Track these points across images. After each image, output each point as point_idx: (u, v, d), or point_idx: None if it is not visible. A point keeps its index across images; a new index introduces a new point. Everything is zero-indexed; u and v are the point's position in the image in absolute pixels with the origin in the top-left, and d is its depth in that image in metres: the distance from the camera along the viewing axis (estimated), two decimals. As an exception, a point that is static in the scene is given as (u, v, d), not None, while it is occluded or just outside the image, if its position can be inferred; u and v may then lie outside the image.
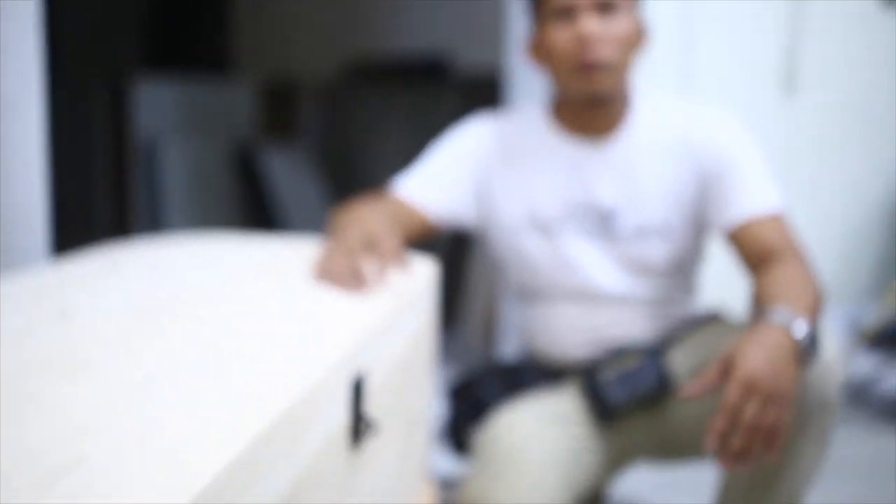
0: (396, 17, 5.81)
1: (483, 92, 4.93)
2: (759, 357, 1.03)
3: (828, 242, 2.95)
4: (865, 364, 2.51)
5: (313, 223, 4.59)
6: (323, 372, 0.76)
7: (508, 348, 2.37)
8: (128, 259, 1.11)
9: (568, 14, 1.31)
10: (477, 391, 1.44)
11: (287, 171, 4.56)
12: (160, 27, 5.28)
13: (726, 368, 1.05)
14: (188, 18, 5.43)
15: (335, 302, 1.01)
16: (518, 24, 2.29)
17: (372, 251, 1.11)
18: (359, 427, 0.86)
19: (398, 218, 1.33)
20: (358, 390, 0.86)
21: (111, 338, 0.77)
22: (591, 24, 1.29)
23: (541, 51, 1.37)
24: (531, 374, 1.45)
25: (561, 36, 1.32)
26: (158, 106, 4.35)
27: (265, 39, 5.82)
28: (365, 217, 1.24)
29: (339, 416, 0.82)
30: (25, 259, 1.24)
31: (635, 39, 1.34)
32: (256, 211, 4.58)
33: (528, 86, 2.28)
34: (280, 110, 4.97)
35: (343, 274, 1.04)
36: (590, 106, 1.36)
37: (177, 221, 4.30)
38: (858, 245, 3.22)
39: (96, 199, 4.33)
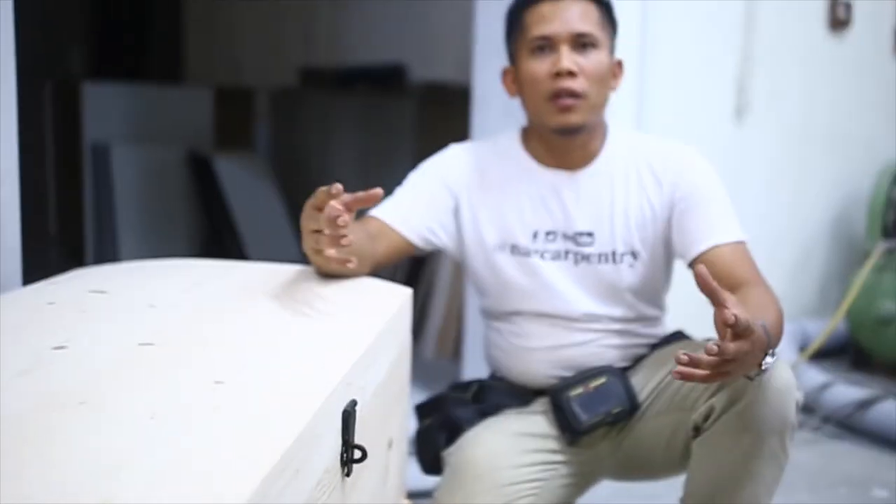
0: (353, 29, 5.83)
1: (436, 100, 5.00)
2: (758, 329, 1.02)
3: (777, 260, 3.05)
4: (814, 376, 2.60)
5: (269, 229, 4.57)
6: (320, 404, 0.78)
7: (470, 364, 2.41)
8: (113, 286, 1.12)
9: (546, 48, 1.35)
10: (445, 409, 1.47)
11: (242, 178, 4.53)
12: (112, 35, 5.22)
13: (733, 327, 0.99)
14: (140, 27, 5.38)
15: (324, 327, 1.03)
16: (470, 37, 2.34)
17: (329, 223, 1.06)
18: (350, 455, 0.89)
19: (376, 238, 1.36)
20: (347, 419, 0.88)
21: (113, 371, 0.78)
22: (568, 59, 1.33)
23: (517, 81, 1.41)
24: (499, 392, 1.48)
25: (538, 68, 1.36)
26: (109, 112, 4.29)
27: (219, 47, 5.79)
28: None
29: (334, 446, 0.84)
30: (2, 281, 1.23)
31: (609, 74, 1.39)
32: (211, 217, 4.54)
33: (482, 95, 2.32)
34: (235, 117, 4.94)
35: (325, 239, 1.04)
36: (563, 137, 1.40)
37: (128, 226, 4.25)
38: (805, 262, 3.34)
39: (48, 202, 4.25)
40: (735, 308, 0.99)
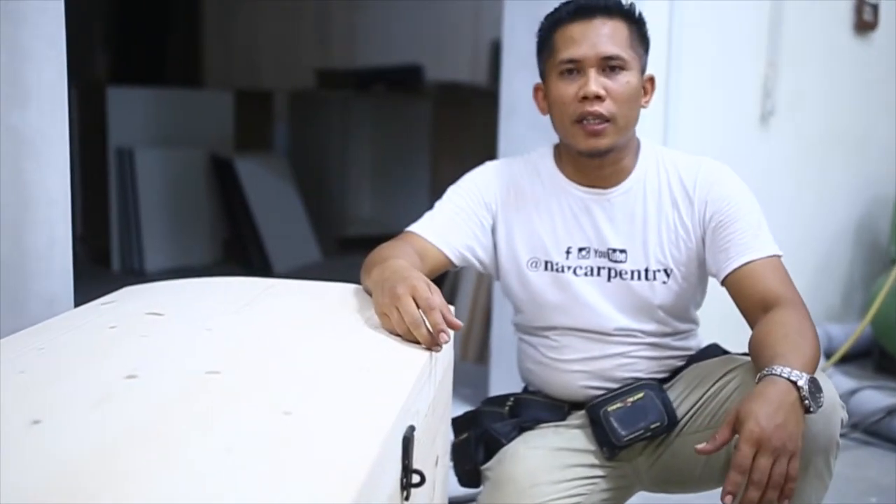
0: (369, 31, 5.85)
1: (451, 99, 5.03)
2: (765, 413, 1.09)
3: (801, 264, 3.06)
4: (840, 381, 2.61)
5: (289, 227, 4.61)
6: (385, 434, 0.80)
7: (497, 370, 2.43)
8: (167, 307, 1.14)
9: (574, 70, 1.37)
10: (482, 423, 1.49)
11: (262, 178, 4.57)
12: (134, 41, 5.27)
13: (735, 426, 1.12)
14: (161, 33, 5.42)
15: (378, 350, 1.06)
16: (483, 42, 2.35)
17: (429, 312, 1.12)
18: (409, 480, 0.91)
19: (423, 257, 1.38)
20: (407, 445, 0.90)
21: (185, 402, 0.81)
22: (596, 83, 1.34)
23: (546, 101, 1.43)
24: (536, 406, 1.50)
25: (565, 90, 1.37)
26: (133, 116, 4.34)
27: (238, 51, 5.83)
28: (404, 269, 1.23)
29: (395, 472, 0.86)
30: (51, 308, 1.26)
31: (639, 94, 1.40)
32: (233, 217, 4.58)
33: (510, 105, 2.34)
34: (254, 119, 4.98)
35: (423, 336, 1.09)
36: (591, 160, 1.41)
37: (152, 227, 4.29)
38: (828, 266, 3.34)
39: (74, 205, 4.30)
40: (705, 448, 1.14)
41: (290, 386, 0.89)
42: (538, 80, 1.47)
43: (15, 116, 1.22)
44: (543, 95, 1.45)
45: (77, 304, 1.28)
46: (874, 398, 2.52)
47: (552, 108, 1.41)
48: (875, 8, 3.26)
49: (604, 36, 1.36)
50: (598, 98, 1.35)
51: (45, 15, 1.24)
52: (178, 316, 1.11)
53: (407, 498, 0.91)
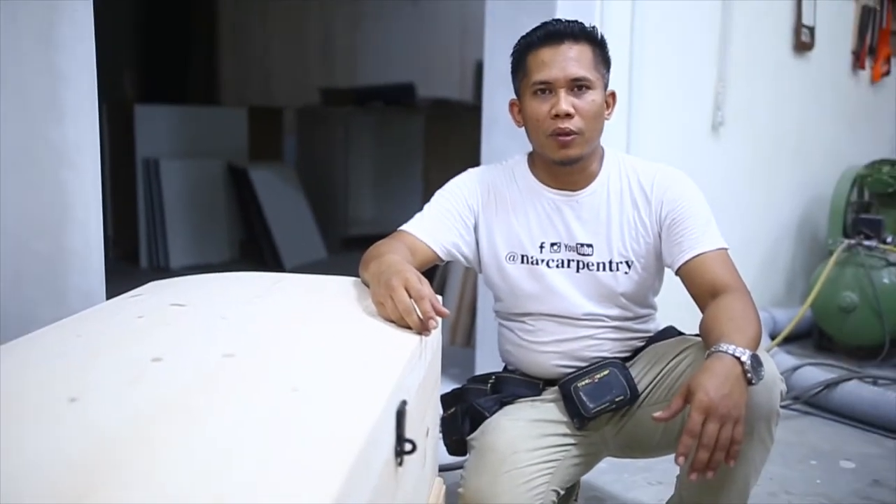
0: (367, 53, 5.86)
1: (441, 115, 5.04)
2: (712, 385, 1.11)
3: (749, 257, 3.08)
4: (784, 359, 2.64)
5: (298, 229, 4.61)
6: (381, 408, 0.82)
7: (482, 353, 2.44)
8: (189, 299, 1.15)
9: (546, 90, 1.38)
10: (468, 399, 1.50)
11: (274, 185, 4.57)
12: (157, 62, 5.25)
13: (687, 397, 1.14)
14: (182, 55, 5.41)
15: (375, 334, 1.07)
16: (471, 62, 2.37)
17: (419, 301, 1.14)
18: (402, 448, 0.92)
19: (413, 253, 1.40)
20: (400, 417, 0.92)
21: (205, 381, 0.82)
22: (566, 102, 1.36)
23: (522, 115, 1.44)
24: (514, 383, 1.52)
25: (539, 108, 1.39)
26: (158, 131, 4.33)
27: (250, 72, 5.82)
28: (397, 264, 1.25)
29: (390, 441, 0.88)
30: (86, 300, 1.27)
31: (603, 109, 1.42)
32: (248, 220, 4.58)
33: (491, 118, 2.35)
34: (266, 133, 4.98)
35: (414, 322, 1.10)
36: (563, 167, 1.43)
37: (176, 229, 4.29)
38: (774, 258, 3.37)
39: (106, 211, 4.30)
40: (660, 416, 1.16)
41: (296, 366, 0.91)
42: (514, 96, 1.49)
43: (54, 132, 1.23)
44: (518, 110, 1.46)
45: (109, 297, 1.29)
46: (814, 373, 2.54)
47: (528, 123, 1.43)
48: (812, 30, 3.29)
49: (571, 59, 1.37)
50: (568, 115, 1.36)
51: (80, 42, 1.25)
52: (199, 306, 1.12)
53: (401, 464, 0.92)
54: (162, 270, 4.19)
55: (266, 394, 0.81)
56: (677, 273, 1.41)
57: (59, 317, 1.11)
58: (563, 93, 1.36)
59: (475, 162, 2.24)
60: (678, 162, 1.59)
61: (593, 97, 1.38)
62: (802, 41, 3.23)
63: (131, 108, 4.29)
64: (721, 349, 1.16)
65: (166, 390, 0.80)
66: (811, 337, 3.14)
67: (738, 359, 1.15)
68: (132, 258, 4.32)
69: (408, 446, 0.93)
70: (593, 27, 1.41)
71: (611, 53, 1.45)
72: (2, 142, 1.19)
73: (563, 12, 2.16)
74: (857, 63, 3.72)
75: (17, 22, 1.18)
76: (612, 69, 1.45)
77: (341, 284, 1.34)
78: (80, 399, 0.76)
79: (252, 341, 0.98)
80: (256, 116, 4.87)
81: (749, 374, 1.15)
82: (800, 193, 3.47)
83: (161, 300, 1.16)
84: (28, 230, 1.21)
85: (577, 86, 1.37)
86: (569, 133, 1.36)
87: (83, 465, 0.63)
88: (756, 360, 1.16)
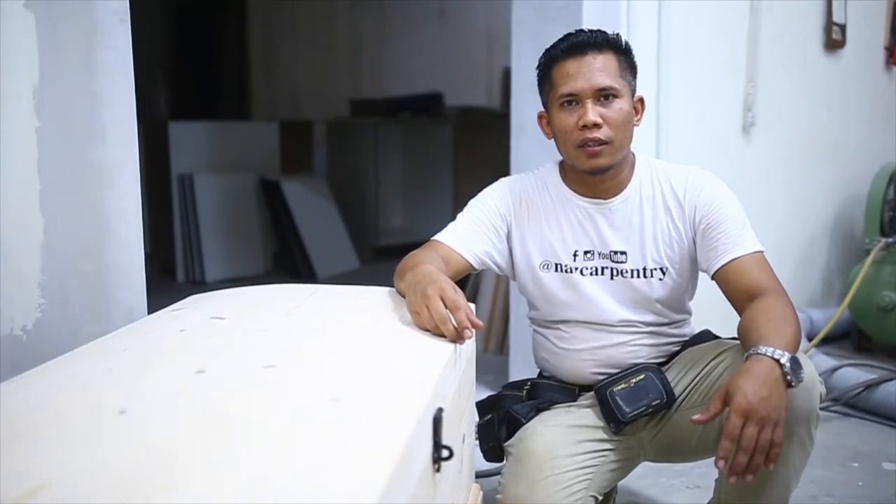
0: (395, 64, 5.91)
1: (469, 123, 5.07)
2: (751, 388, 1.11)
3: (784, 258, 3.05)
4: (822, 360, 2.60)
5: (330, 239, 4.65)
6: (419, 415, 0.83)
7: (516, 360, 2.45)
8: (228, 312, 1.18)
9: (573, 102, 1.38)
10: (504, 406, 1.51)
11: (305, 197, 4.62)
12: (190, 80, 5.35)
13: (725, 399, 1.13)
14: (214, 73, 5.50)
15: (411, 343, 1.08)
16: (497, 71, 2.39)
17: (455, 311, 1.15)
18: (439, 454, 0.93)
19: (447, 262, 1.41)
20: (437, 424, 0.93)
21: (248, 392, 0.84)
22: (593, 113, 1.36)
23: (550, 127, 1.45)
24: (550, 389, 1.52)
25: (566, 120, 1.39)
26: (191, 146, 4.41)
27: (280, 86, 5.91)
28: (433, 274, 1.26)
29: (427, 448, 0.89)
30: (129, 316, 1.30)
31: (631, 116, 1.41)
32: (281, 232, 4.64)
33: (519, 126, 2.36)
34: (297, 145, 5.04)
35: (450, 332, 1.11)
36: (593, 176, 1.43)
37: (211, 242, 4.36)
38: (809, 259, 3.32)
39: (144, 226, 4.39)
40: (698, 419, 1.14)
41: (335, 376, 0.92)
42: (541, 104, 1.49)
43: (95, 153, 1.26)
44: (547, 122, 1.47)
45: (150, 311, 1.32)
46: (853, 374, 2.50)
47: (556, 135, 1.43)
48: (843, 28, 3.24)
49: (596, 70, 1.37)
50: (596, 125, 1.36)
51: (119, 65, 1.29)
52: (238, 319, 1.15)
53: (438, 470, 0.93)
54: (198, 284, 4.25)
55: (307, 404, 0.82)
56: (713, 278, 1.40)
57: (104, 332, 1.14)
58: (589, 103, 1.37)
59: (504, 168, 2.25)
60: (709, 165, 1.58)
61: (620, 105, 1.38)
62: (833, 39, 3.19)
63: (166, 126, 4.37)
64: (760, 351, 1.15)
65: (211, 402, 0.82)
66: (849, 337, 3.09)
67: (777, 361, 1.14)
68: (169, 272, 4.40)
69: (445, 452, 0.94)
70: (617, 35, 1.41)
71: (638, 57, 1.45)
72: (46, 164, 1.23)
73: (589, 16, 2.16)
74: (891, 59, 3.66)
75: (58, 47, 1.22)
76: (639, 73, 1.45)
77: (376, 295, 1.36)
78: (129, 412, 0.78)
79: (291, 352, 1.00)
80: (287, 130, 4.94)
81: (788, 377, 1.14)
82: (834, 192, 3.42)
83: (202, 314, 1.19)
84: (73, 251, 1.25)
85: (604, 95, 1.37)
86: (598, 143, 1.37)
87: (132, 477, 0.65)
88: (795, 363, 1.16)
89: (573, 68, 1.38)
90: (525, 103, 2.30)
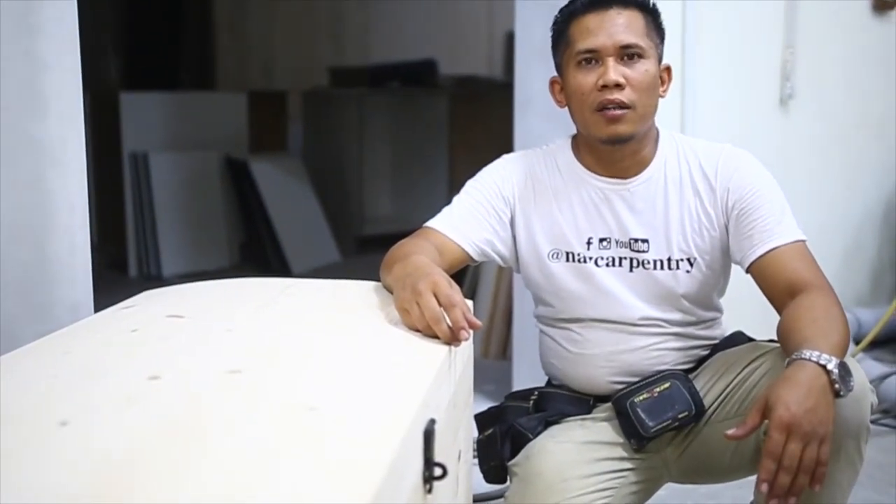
0: (381, 27, 5.89)
1: (467, 93, 5.06)
2: (794, 398, 1.10)
3: (827, 249, 3.04)
4: (870, 367, 2.60)
5: (306, 227, 4.64)
6: (406, 428, 0.82)
7: (520, 367, 2.44)
8: (188, 310, 1.17)
9: (592, 60, 1.38)
10: (507, 419, 1.50)
11: (277, 179, 4.61)
12: (145, 46, 5.32)
13: (764, 412, 1.13)
14: (172, 37, 5.48)
15: (397, 346, 1.08)
16: (496, 37, 2.37)
17: (450, 309, 1.14)
18: (431, 473, 0.93)
19: (442, 253, 1.40)
20: (429, 438, 0.92)
21: (210, 401, 0.83)
22: (615, 72, 1.36)
23: (564, 92, 1.44)
24: (561, 400, 1.52)
25: (584, 80, 1.39)
26: (146, 121, 4.39)
27: (250, 53, 5.88)
28: (425, 266, 1.25)
29: (417, 466, 0.88)
30: (73, 314, 1.29)
31: (657, 83, 1.41)
32: (249, 219, 4.63)
33: (524, 98, 2.35)
34: (268, 120, 5.02)
35: (444, 332, 1.11)
36: (612, 147, 1.43)
37: (168, 231, 4.35)
38: (856, 250, 3.32)
39: (91, 212, 4.37)
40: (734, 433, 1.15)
41: (311, 382, 0.92)
42: (552, 72, 1.49)
43: (35, 127, 1.25)
44: (560, 88, 1.47)
45: (97, 310, 1.31)
46: (906, 383, 2.50)
47: (571, 99, 1.43)
48: (896, -15, 3.24)
49: (620, 25, 1.37)
50: (618, 86, 1.36)
51: (61, 25, 1.27)
52: (198, 318, 1.14)
53: (430, 491, 0.93)
54: (153, 279, 4.24)
55: (279, 414, 0.81)
56: (748, 271, 1.40)
57: (44, 332, 1.13)
58: (611, 61, 1.36)
59: (507, 146, 2.24)
60: (742, 142, 1.58)
61: (646, 67, 1.38)
62: (884, -2, 3.19)
63: (116, 97, 4.35)
64: (803, 356, 1.15)
65: (166, 412, 0.81)
66: (900, 341, 3.10)
67: (823, 367, 1.14)
68: (119, 266, 4.38)
69: (437, 471, 0.93)
70: None
71: (663, 22, 1.44)
72: (-24, 137, 1.21)
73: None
74: (950, 21, 3.66)
75: (-11, 3, 1.21)
76: (664, 42, 1.45)
77: (359, 290, 1.35)
78: (72, 423, 0.77)
79: (260, 356, 0.99)
80: (257, 102, 4.92)
81: (837, 385, 1.13)
82: (885, 174, 3.41)
83: (156, 311, 1.18)
84: (6, 236, 1.23)
85: (628, 54, 1.37)
86: (619, 106, 1.36)
87: (77, 495, 0.64)
88: (844, 369, 1.15)
89: (594, 23, 1.38)
90: (531, 71, 2.29)
